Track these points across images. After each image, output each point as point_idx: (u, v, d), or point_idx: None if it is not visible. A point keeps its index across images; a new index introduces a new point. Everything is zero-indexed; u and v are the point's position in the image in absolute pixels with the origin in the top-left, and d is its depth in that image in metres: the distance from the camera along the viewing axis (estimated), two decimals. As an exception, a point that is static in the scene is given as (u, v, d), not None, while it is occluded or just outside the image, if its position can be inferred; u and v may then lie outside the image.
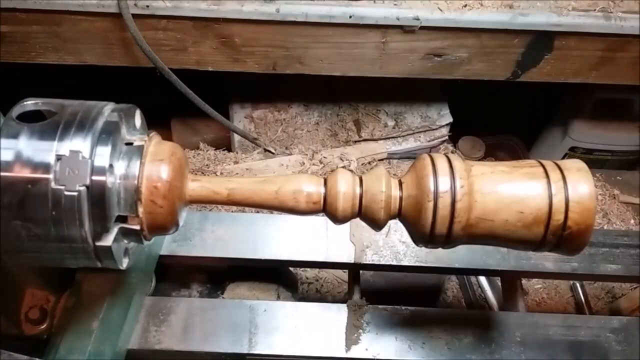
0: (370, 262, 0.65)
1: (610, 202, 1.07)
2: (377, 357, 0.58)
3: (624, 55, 0.95)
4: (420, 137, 1.18)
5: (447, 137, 1.21)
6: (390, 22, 0.90)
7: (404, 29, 0.90)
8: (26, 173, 0.38)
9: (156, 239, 0.55)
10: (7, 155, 0.39)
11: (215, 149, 1.10)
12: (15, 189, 0.38)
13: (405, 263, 0.65)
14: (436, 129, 1.18)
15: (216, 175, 0.99)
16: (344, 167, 1.05)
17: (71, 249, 0.41)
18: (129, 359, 0.57)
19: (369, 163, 1.11)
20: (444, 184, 0.42)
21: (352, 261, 0.65)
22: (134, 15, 0.86)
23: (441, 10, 0.89)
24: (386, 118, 1.15)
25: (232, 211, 0.80)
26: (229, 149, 1.14)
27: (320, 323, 0.61)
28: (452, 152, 1.21)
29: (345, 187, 0.44)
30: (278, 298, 0.69)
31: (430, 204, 0.42)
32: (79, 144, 0.39)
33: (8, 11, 0.86)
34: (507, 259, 0.65)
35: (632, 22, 0.89)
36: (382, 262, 0.65)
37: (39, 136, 0.39)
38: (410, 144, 1.17)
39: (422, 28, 0.90)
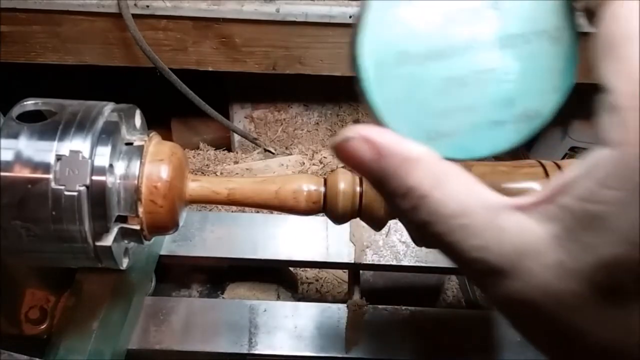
0: (370, 262, 0.65)
1: (611, 202, 1.06)
2: (377, 357, 0.58)
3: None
4: (420, 137, 1.17)
5: (447, 137, 1.20)
6: (390, 22, 0.89)
7: (404, 29, 0.90)
8: (26, 173, 0.38)
9: (156, 239, 0.55)
10: (7, 155, 0.39)
11: (215, 149, 1.10)
12: (15, 189, 0.38)
13: (405, 263, 0.65)
14: (436, 129, 1.18)
15: (216, 175, 0.99)
16: (343, 167, 1.05)
17: (71, 249, 0.41)
18: (129, 359, 0.57)
19: (369, 163, 1.11)
20: (444, 184, 0.42)
21: (352, 261, 0.65)
22: (134, 15, 0.86)
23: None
24: (386, 118, 1.15)
25: (232, 211, 0.80)
26: (229, 149, 1.14)
27: (320, 323, 0.61)
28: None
29: (345, 186, 0.44)
30: (278, 298, 0.69)
31: (430, 204, 0.42)
32: (79, 144, 0.39)
33: (8, 11, 0.86)
34: (507, 259, 0.65)
35: (632, 22, 0.89)
36: (382, 262, 0.65)
37: (39, 136, 0.39)
38: (410, 144, 1.17)
39: (422, 28, 0.90)
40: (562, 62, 0.26)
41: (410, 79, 0.25)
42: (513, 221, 0.23)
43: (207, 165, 1.03)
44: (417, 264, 0.65)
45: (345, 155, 0.25)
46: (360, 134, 0.25)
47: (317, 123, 1.17)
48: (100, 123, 0.40)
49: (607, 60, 0.23)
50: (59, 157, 0.39)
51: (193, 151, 1.08)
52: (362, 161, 0.25)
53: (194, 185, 0.45)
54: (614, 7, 0.23)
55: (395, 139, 0.25)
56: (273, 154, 1.10)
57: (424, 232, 0.25)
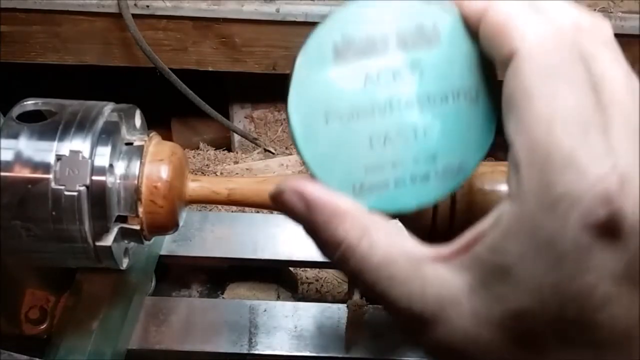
0: (370, 262, 0.65)
1: (610, 202, 1.06)
2: (377, 357, 0.58)
3: (624, 55, 0.94)
4: (420, 137, 1.17)
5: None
6: (390, 22, 0.89)
7: (404, 29, 0.90)
8: (26, 173, 0.38)
9: (156, 239, 0.55)
10: (7, 155, 0.39)
11: (215, 149, 1.09)
12: (15, 189, 0.38)
13: (405, 263, 0.65)
14: (436, 129, 1.18)
15: (216, 175, 0.99)
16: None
17: (71, 249, 0.41)
18: (129, 359, 0.57)
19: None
20: (444, 184, 0.42)
21: (352, 261, 0.64)
22: (134, 15, 0.86)
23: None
24: (386, 118, 1.15)
25: (232, 211, 0.80)
26: (229, 149, 1.14)
27: (320, 323, 0.61)
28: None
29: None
30: (278, 298, 0.69)
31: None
32: (79, 144, 0.39)
33: (8, 11, 0.86)
34: (507, 259, 0.65)
35: (633, 22, 0.89)
36: (382, 262, 0.65)
37: (39, 136, 0.40)
38: (410, 144, 1.16)
39: (422, 28, 0.90)
40: (482, 120, 0.27)
41: (337, 136, 0.26)
42: (434, 271, 0.24)
43: (207, 165, 1.03)
44: (417, 264, 0.65)
45: (280, 207, 0.26)
46: (291, 187, 0.26)
47: (317, 123, 1.16)
48: (100, 123, 0.41)
49: (509, 116, 0.23)
50: (59, 157, 0.39)
51: (193, 151, 1.07)
52: (294, 213, 0.26)
53: (194, 186, 0.45)
54: (516, 63, 0.23)
55: (324, 193, 0.26)
56: (273, 154, 1.10)
57: (355, 281, 0.26)
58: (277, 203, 0.26)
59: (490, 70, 0.27)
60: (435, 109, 0.27)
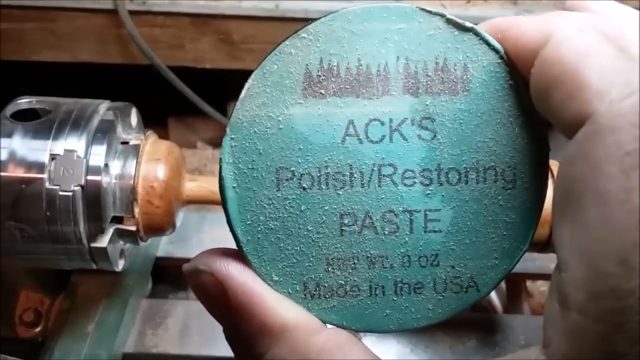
0: (371, 263, 0.64)
1: (611, 202, 1.06)
2: (377, 357, 0.58)
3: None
4: (419, 136, 1.17)
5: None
6: (390, 20, 0.89)
7: (405, 27, 0.90)
8: (20, 173, 0.38)
9: (153, 240, 0.54)
10: (1, 155, 0.38)
11: (213, 148, 1.09)
12: (8, 189, 0.38)
13: (406, 264, 0.64)
14: (436, 127, 1.18)
15: (214, 174, 0.99)
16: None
17: (66, 250, 0.40)
18: (125, 362, 0.56)
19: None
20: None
21: (353, 262, 0.64)
22: (130, 12, 0.85)
23: (444, 6, 0.88)
24: (385, 117, 1.15)
25: (230, 211, 0.80)
26: (227, 148, 1.14)
27: (321, 325, 0.60)
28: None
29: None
30: (277, 299, 0.69)
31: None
32: (73, 143, 0.39)
33: (3, 8, 0.86)
34: (510, 260, 0.65)
35: (635, 20, 0.89)
36: (383, 263, 0.64)
37: (33, 135, 0.39)
38: (409, 142, 1.16)
39: (423, 25, 0.90)
40: (517, 215, 0.19)
41: (291, 207, 0.19)
42: None
43: (204, 164, 1.02)
44: (419, 265, 0.64)
45: (194, 290, 0.19)
46: (212, 270, 0.18)
47: (316, 122, 1.16)
48: (95, 122, 0.40)
49: (563, 220, 0.15)
50: (53, 157, 0.38)
51: (190, 150, 1.07)
52: (212, 306, 0.19)
53: (192, 185, 0.44)
54: (587, 135, 0.15)
55: (255, 292, 0.18)
56: (271, 152, 1.09)
57: None
58: (191, 284, 0.19)
59: (542, 142, 0.19)
60: (447, 190, 0.19)
